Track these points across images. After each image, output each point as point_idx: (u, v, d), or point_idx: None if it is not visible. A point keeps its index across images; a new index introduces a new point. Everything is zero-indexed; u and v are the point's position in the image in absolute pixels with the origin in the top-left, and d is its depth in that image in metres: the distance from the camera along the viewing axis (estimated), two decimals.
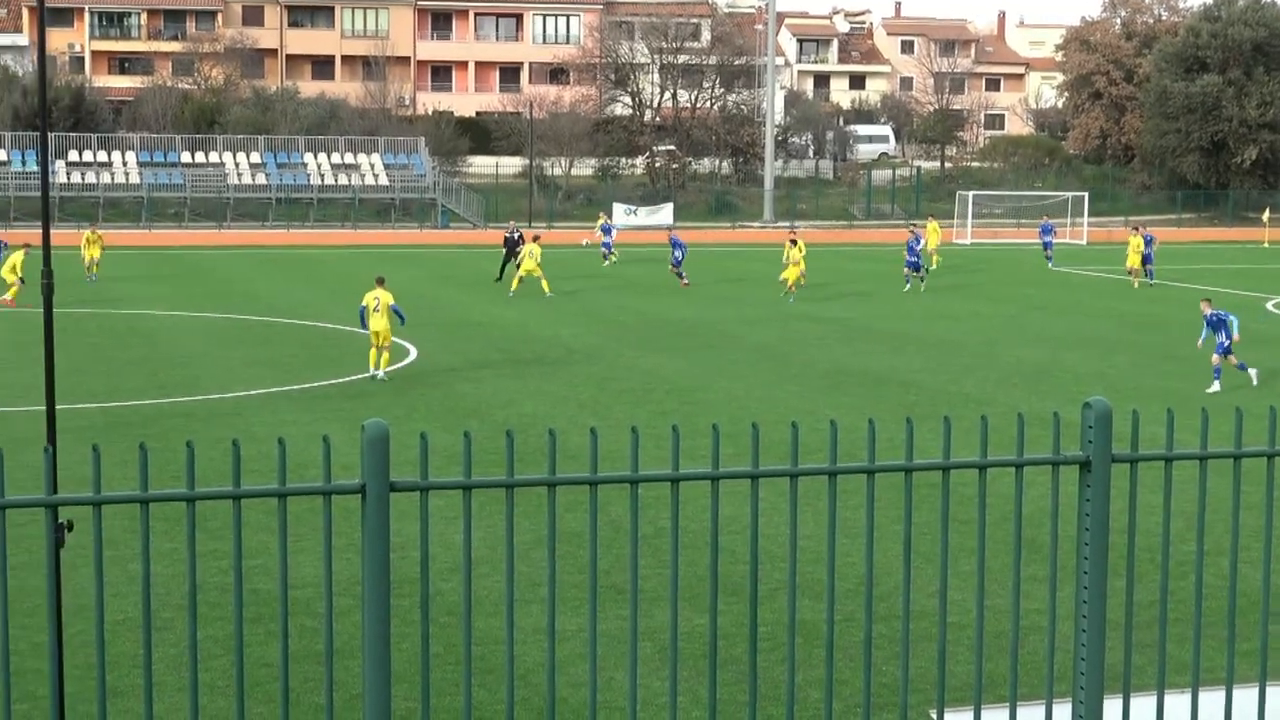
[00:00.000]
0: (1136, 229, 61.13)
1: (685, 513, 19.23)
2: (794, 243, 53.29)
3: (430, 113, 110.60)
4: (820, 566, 17.88)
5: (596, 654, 6.10)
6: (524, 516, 19.40)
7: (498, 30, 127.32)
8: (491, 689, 14.06)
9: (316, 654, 14.86)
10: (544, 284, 52.08)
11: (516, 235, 59.24)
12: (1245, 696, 7.08)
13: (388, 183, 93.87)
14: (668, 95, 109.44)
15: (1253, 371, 33.21)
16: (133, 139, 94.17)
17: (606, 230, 68.91)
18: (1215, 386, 32.26)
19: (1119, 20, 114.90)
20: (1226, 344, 32.67)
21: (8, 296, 46.24)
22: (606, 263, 65.99)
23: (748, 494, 6.13)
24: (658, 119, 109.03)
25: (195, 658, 5.79)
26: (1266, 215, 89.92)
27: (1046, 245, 70.20)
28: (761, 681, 13.94)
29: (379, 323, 32.55)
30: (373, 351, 32.87)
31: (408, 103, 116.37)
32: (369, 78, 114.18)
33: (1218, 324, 32.83)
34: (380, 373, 32.63)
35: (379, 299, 32.79)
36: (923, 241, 62.44)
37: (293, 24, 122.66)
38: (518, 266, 53.61)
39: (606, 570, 17.74)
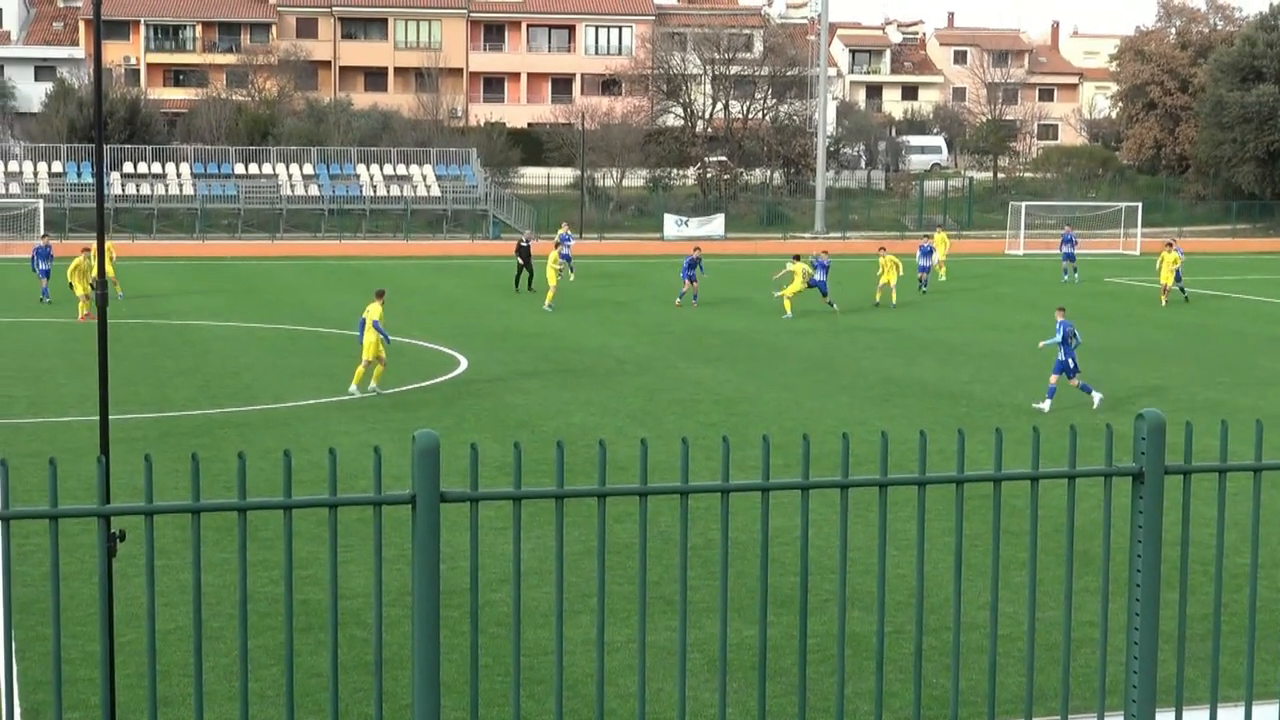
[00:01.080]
0: (1171, 244, 57.73)
1: (735, 524, 19.21)
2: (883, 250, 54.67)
3: (482, 124, 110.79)
4: (870, 578, 17.82)
5: (645, 665, 6.10)
6: (573, 527, 19.40)
7: (550, 41, 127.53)
8: (540, 700, 14.07)
9: (366, 664, 14.90)
10: (549, 294, 50.88)
11: (527, 244, 58.62)
12: None
13: (439, 194, 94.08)
14: (719, 106, 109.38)
15: (1096, 396, 30.90)
16: (187, 151, 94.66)
17: (564, 240, 62.99)
18: (1045, 405, 30.43)
19: (1174, 30, 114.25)
20: (1067, 362, 30.58)
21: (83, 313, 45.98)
22: (570, 276, 60.60)
23: (798, 505, 6.11)
24: (709, 130, 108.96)
25: (246, 667, 5.81)
26: None
27: (1068, 257, 65.20)
28: (811, 693, 13.90)
29: (366, 336, 32.14)
30: (360, 368, 32.36)
31: (460, 114, 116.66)
32: (421, 89, 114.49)
33: (1065, 338, 30.63)
34: (354, 388, 32.10)
35: (369, 312, 32.38)
36: (935, 255, 61.84)
37: (346, 36, 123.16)
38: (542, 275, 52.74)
39: (656, 581, 17.73)
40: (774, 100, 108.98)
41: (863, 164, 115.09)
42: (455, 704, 13.24)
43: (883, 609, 6.28)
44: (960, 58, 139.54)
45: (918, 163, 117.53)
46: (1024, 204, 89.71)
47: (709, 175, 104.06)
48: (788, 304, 49.11)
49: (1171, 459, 6.47)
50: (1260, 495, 6.77)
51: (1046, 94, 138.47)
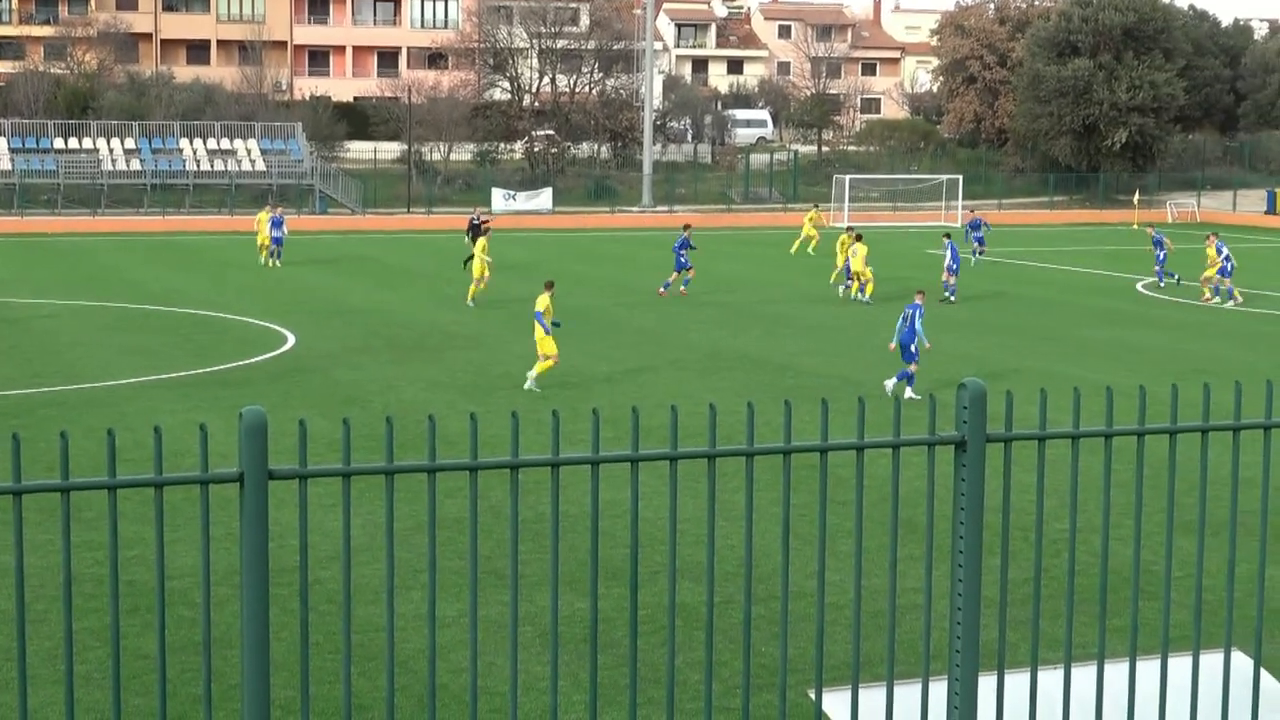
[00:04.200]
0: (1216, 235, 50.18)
1: (565, 497, 19.22)
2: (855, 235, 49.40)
3: (307, 98, 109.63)
4: (700, 549, 17.96)
5: (477, 639, 6.11)
6: (404, 503, 19.28)
7: (375, 14, 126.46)
8: (371, 677, 14.02)
9: (194, 644, 14.75)
10: (472, 287, 45.59)
11: (478, 222, 56.20)
12: (1116, 671, 7.19)
13: (265, 168, 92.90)
14: (546, 80, 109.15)
15: (890, 383, 29.89)
16: (4, 125, 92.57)
17: (276, 224, 58.29)
18: (892, 384, 29.68)
19: (993, 5, 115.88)
20: (914, 353, 29.68)
21: None
22: (273, 262, 57.21)
23: (628, 478, 6.15)
24: (536, 104, 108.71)
25: (71, 650, 5.74)
26: (1136, 197, 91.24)
27: (979, 240, 61.00)
28: (642, 664, 14.00)
29: (535, 331, 30.55)
30: (541, 364, 30.59)
31: (284, 88, 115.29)
32: (245, 62, 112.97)
33: (912, 320, 29.74)
34: (530, 382, 30.25)
35: (536, 304, 30.78)
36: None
37: (167, 8, 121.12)
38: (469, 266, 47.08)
39: (487, 556, 17.73)
40: (600, 74, 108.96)
41: (689, 138, 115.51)
42: (285, 682, 13.16)
43: (712, 579, 6.34)
44: (785, 32, 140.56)
45: (743, 136, 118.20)
46: (848, 177, 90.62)
47: (536, 149, 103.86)
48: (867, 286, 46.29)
49: (993, 427, 6.60)
50: (1078, 462, 6.92)
51: (869, 68, 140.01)
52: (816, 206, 74.50)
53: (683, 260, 48.22)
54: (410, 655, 14.50)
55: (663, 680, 13.41)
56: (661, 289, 48.05)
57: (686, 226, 51.71)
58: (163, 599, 5.80)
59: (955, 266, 47.87)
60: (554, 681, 6.16)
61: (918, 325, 29.74)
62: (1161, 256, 51.72)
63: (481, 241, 46.70)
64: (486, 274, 45.91)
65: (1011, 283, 52.69)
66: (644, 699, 13.14)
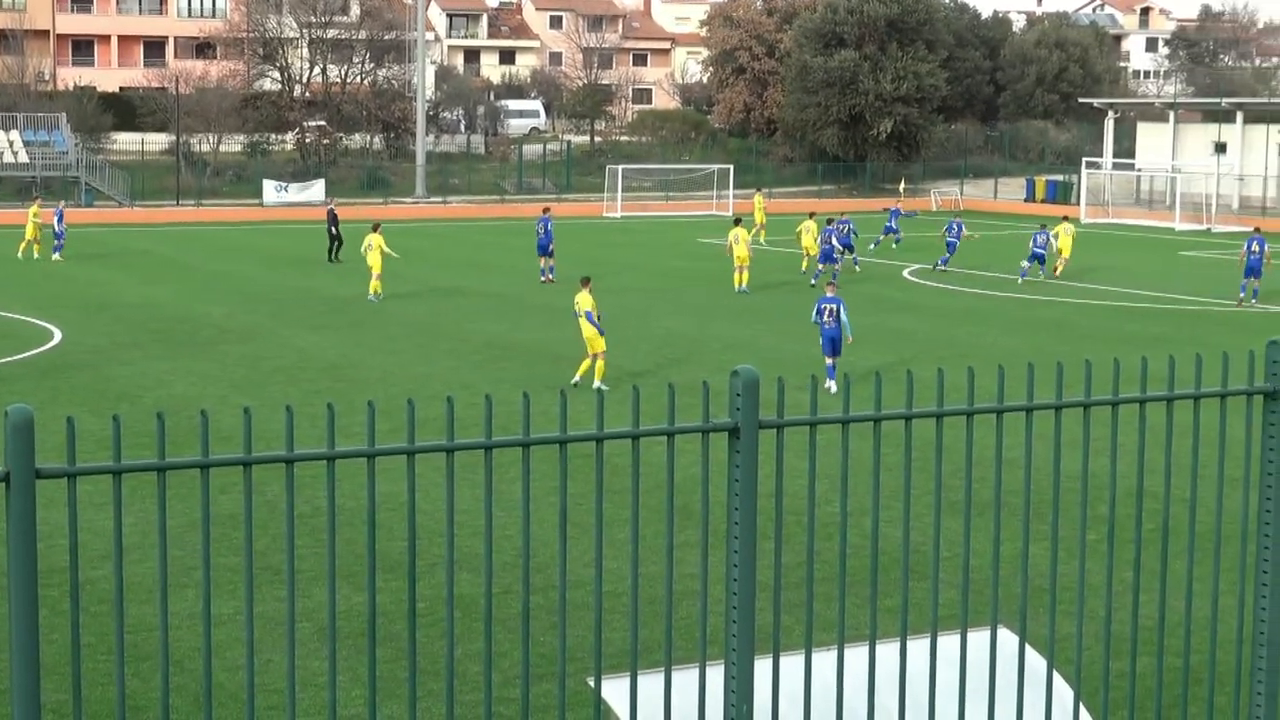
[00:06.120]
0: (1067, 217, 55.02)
1: (342, 490, 19.14)
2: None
3: (72, 88, 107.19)
4: (478, 540, 17.98)
5: (254, 636, 6.05)
6: (177, 500, 19.02)
7: (141, 3, 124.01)
8: (145, 677, 13.82)
9: None
10: (375, 283, 44.25)
11: (333, 212, 56.18)
12: (887, 651, 7.34)
13: (28, 160, 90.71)
14: (317, 70, 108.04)
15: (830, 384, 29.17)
16: None
17: (60, 218, 57.05)
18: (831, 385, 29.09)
19: None
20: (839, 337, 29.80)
21: None
22: (56, 255, 55.53)
23: (404, 470, 6.15)
24: (307, 94, 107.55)
25: None
26: (902, 185, 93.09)
27: (889, 229, 62.64)
28: (421, 657, 13.97)
29: (585, 329, 29.84)
30: (585, 361, 29.95)
31: (48, 78, 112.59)
32: (6, 52, 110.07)
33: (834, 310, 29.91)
34: (597, 383, 29.07)
35: (578, 303, 29.95)
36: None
37: None
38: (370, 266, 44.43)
39: (263, 551, 17.57)
40: (372, 64, 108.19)
41: (462, 128, 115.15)
42: (57, 686, 12.91)
43: (490, 570, 6.35)
44: (556, 22, 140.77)
45: (516, 127, 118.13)
46: (620, 167, 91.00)
47: (308, 140, 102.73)
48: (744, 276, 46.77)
49: (765, 414, 6.69)
50: (849, 446, 7.05)
51: (640, 59, 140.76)
52: (760, 190, 74.17)
53: (545, 245, 49.46)
54: (185, 654, 14.31)
55: (442, 672, 13.39)
56: (543, 278, 49.07)
57: (546, 209, 53.05)
58: None
59: (833, 253, 49.03)
60: (332, 676, 6.14)
61: (844, 317, 29.68)
62: (953, 244, 53.19)
63: (379, 238, 44.64)
64: (380, 269, 44.28)
65: (784, 271, 53.33)
66: (424, 691, 13.12)
